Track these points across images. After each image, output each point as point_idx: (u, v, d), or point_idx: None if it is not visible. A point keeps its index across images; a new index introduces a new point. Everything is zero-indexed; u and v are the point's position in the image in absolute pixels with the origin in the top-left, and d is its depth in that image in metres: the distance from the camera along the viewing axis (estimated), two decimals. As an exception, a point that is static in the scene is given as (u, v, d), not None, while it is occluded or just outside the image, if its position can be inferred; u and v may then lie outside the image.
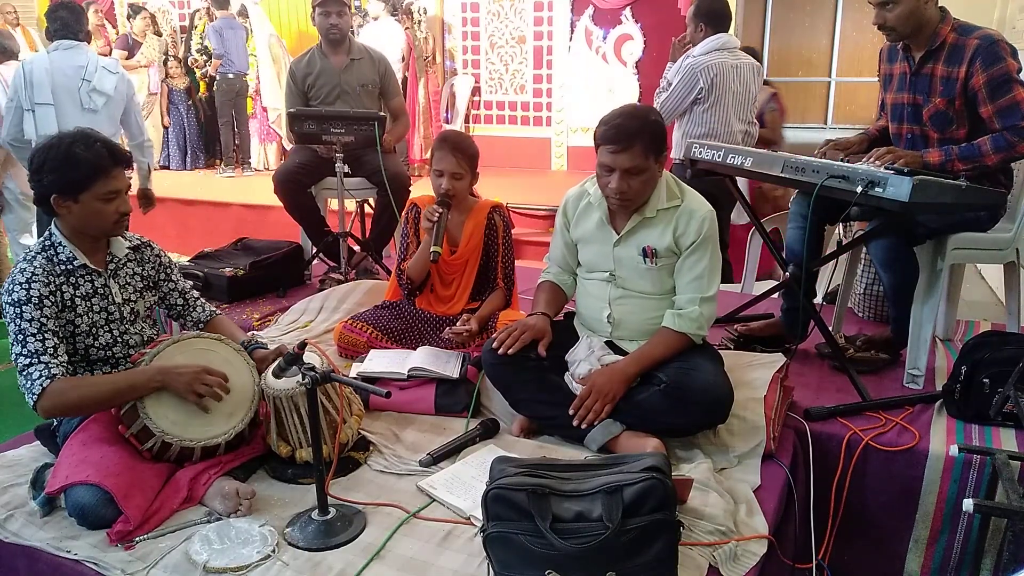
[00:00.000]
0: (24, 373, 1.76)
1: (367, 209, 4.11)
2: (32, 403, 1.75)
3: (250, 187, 6.70)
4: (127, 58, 7.14)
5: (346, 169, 3.53)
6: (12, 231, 4.49)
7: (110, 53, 7.23)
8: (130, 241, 2.03)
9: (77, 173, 1.82)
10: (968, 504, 1.57)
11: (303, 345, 1.74)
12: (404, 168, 4.16)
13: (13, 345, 1.78)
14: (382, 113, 3.58)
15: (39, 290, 1.80)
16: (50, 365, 1.76)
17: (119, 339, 1.97)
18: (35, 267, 1.83)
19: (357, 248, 3.87)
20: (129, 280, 2.01)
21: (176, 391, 1.81)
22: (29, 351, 1.76)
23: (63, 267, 1.87)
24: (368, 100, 3.76)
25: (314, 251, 3.83)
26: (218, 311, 2.22)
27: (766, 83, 4.19)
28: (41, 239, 1.91)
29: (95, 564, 1.60)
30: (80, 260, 1.89)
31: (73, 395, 1.77)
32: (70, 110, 3.57)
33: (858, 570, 2.26)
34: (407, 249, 2.67)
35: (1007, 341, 2.29)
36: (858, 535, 2.24)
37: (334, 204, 3.87)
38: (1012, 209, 2.54)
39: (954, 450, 1.93)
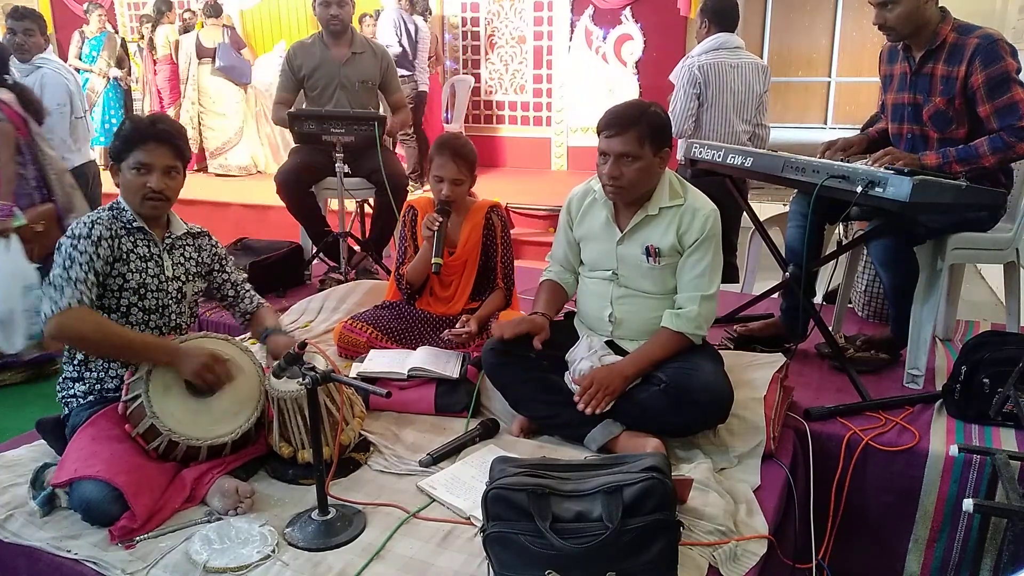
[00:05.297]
0: (56, 287, 1.82)
1: (367, 209, 4.11)
2: (49, 313, 1.80)
3: (250, 187, 6.70)
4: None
5: (346, 169, 3.53)
6: None
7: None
8: (190, 228, 2.11)
9: (118, 139, 1.93)
10: (968, 504, 1.57)
11: (303, 345, 1.75)
12: (403, 168, 4.16)
13: (55, 267, 1.85)
14: (382, 113, 3.57)
15: (100, 232, 1.88)
16: (84, 294, 1.83)
17: (160, 310, 2.00)
18: (100, 215, 1.93)
19: (357, 248, 3.87)
20: (183, 260, 2.06)
21: (183, 372, 1.85)
22: (70, 276, 1.83)
23: (125, 225, 1.95)
24: (366, 96, 3.73)
25: (314, 251, 3.82)
26: (265, 303, 2.26)
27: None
28: (110, 203, 1.99)
29: (95, 564, 1.60)
30: (139, 223, 1.96)
31: (90, 324, 1.84)
32: (81, 113, 3.98)
33: (858, 570, 2.26)
34: (405, 252, 2.67)
35: (1007, 341, 2.29)
36: (858, 535, 2.24)
37: (334, 204, 3.86)
38: (1012, 209, 2.54)
39: (954, 450, 1.92)
